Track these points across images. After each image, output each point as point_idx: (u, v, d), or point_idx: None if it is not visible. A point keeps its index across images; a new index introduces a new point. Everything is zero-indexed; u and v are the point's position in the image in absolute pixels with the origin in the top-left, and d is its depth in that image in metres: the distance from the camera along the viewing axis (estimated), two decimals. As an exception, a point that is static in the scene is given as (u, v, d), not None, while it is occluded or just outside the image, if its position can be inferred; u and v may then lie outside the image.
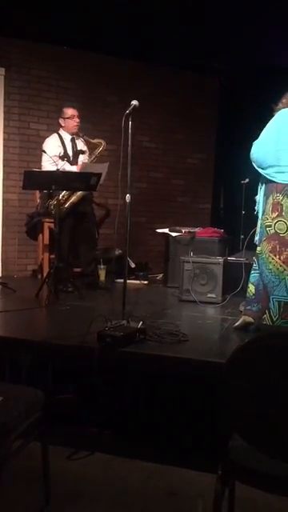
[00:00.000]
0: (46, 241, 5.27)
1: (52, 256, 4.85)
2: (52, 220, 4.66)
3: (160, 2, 4.79)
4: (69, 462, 2.55)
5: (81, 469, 2.51)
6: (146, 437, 2.68)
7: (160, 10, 4.90)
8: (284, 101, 3.21)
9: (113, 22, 5.16)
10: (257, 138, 3.21)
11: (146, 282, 5.49)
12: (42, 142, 5.12)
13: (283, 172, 3.06)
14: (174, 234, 5.34)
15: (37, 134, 5.88)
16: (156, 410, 2.68)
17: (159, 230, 5.57)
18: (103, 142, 4.91)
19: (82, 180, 4.41)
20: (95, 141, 4.90)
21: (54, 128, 6.09)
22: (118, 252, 4.99)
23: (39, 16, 5.02)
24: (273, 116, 3.22)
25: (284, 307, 3.06)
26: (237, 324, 3.39)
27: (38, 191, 5.59)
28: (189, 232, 5.32)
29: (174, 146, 6.58)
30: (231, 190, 6.49)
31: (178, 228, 5.44)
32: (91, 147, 5.05)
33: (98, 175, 4.39)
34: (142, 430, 2.69)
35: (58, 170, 4.36)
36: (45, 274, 4.73)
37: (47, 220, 5.28)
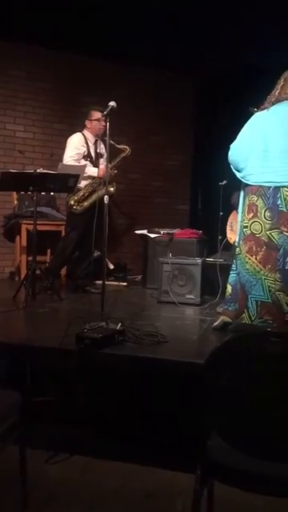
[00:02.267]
0: (24, 242, 5.23)
1: (29, 258, 4.81)
2: (30, 221, 4.63)
3: (136, 2, 4.80)
4: (47, 466, 2.53)
5: (59, 472, 2.50)
6: (125, 438, 2.67)
7: (136, 9, 4.91)
8: (262, 106, 3.25)
9: (89, 22, 5.15)
10: (234, 140, 3.25)
11: (124, 284, 5.48)
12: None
13: (253, 174, 3.12)
14: (152, 236, 5.34)
15: (13, 135, 5.84)
16: (135, 410, 2.68)
17: (138, 232, 5.58)
18: (128, 148, 4.93)
19: (59, 181, 4.38)
20: (121, 146, 4.91)
21: (31, 129, 6.05)
22: (96, 254, 4.97)
23: (15, 16, 4.98)
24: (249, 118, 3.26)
25: (261, 306, 3.10)
26: (215, 324, 3.41)
27: (15, 192, 5.54)
28: (167, 233, 5.33)
29: (151, 148, 6.59)
30: (209, 191, 6.52)
31: (156, 229, 5.44)
32: (116, 152, 5.01)
33: (76, 177, 4.38)
34: (121, 431, 2.68)
35: (35, 170, 4.33)
36: (22, 276, 4.69)
37: (25, 221, 5.25)
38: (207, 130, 6.52)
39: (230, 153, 3.25)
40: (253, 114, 3.27)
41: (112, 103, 3.58)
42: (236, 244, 3.33)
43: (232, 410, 1.50)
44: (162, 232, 5.36)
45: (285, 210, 3.00)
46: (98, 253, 4.97)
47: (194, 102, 6.78)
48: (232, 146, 3.25)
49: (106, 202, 3.65)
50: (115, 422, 2.70)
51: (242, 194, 3.28)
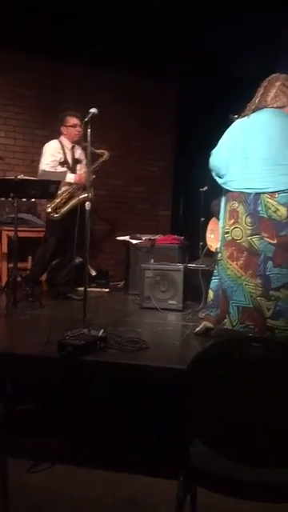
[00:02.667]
0: (5, 249, 5.19)
1: (10, 265, 4.77)
2: (11, 228, 4.59)
3: (117, 8, 4.82)
4: (29, 475, 2.50)
5: (41, 481, 2.47)
6: (108, 445, 2.66)
7: (117, 16, 4.93)
8: (243, 113, 3.29)
9: (70, 28, 5.15)
10: (215, 146, 3.28)
11: (107, 290, 5.47)
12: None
13: (234, 180, 3.15)
14: (134, 242, 5.34)
15: (-6, 141, 5.81)
16: (117, 417, 2.67)
17: (120, 238, 5.57)
18: (106, 153, 4.92)
19: (40, 188, 4.36)
20: (99, 151, 4.89)
21: (12, 135, 6.02)
22: (78, 260, 4.94)
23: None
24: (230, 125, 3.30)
25: (243, 312, 3.11)
26: (197, 329, 3.42)
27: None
28: (149, 239, 5.33)
29: (133, 154, 6.60)
30: (190, 197, 6.55)
31: (138, 235, 5.44)
32: (94, 157, 5.00)
33: (57, 183, 4.36)
34: (103, 439, 2.67)
35: (15, 177, 4.30)
36: (3, 283, 4.64)
37: (5, 228, 5.20)
38: (188, 136, 6.56)
39: (211, 159, 3.28)
40: (233, 121, 3.30)
41: (93, 110, 3.57)
42: (218, 249, 3.35)
43: (213, 416, 1.50)
44: (143, 238, 5.37)
45: (265, 216, 3.03)
46: (80, 259, 4.95)
47: (176, 108, 6.83)
48: (213, 152, 3.27)
49: (87, 208, 3.64)
50: (97, 429, 2.68)
51: (223, 200, 3.30)
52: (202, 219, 5.63)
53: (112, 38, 5.33)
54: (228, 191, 3.21)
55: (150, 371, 2.64)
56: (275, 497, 1.64)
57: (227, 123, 3.32)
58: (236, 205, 3.13)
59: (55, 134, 5.20)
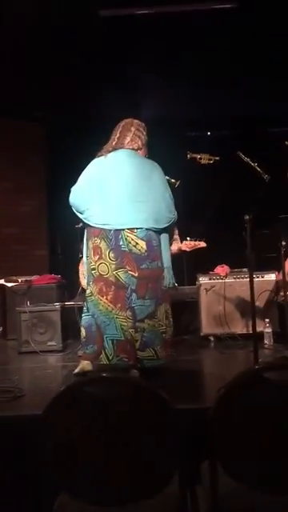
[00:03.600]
0: None
1: None
2: None
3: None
4: None
5: None
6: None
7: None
8: (99, 153, 3.39)
9: None
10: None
11: (-17, 338, 5.21)
12: None
13: (93, 215, 3.22)
14: (9, 285, 5.17)
15: None
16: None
17: (-6, 282, 5.36)
18: None
19: None
20: None
21: None
22: None
23: None
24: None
25: (117, 345, 3.13)
26: (76, 370, 3.36)
27: None
28: (25, 281, 5.20)
29: (3, 195, 6.47)
30: (67, 234, 6.54)
31: (14, 278, 5.28)
32: None
33: None
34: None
35: None
36: None
37: None
38: (59, 174, 6.58)
39: (70, 196, 3.33)
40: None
41: None
42: (86, 286, 3.36)
43: (70, 462, 1.46)
44: (20, 280, 5.22)
45: (127, 250, 3.12)
46: None
47: (44, 147, 6.84)
48: (72, 189, 3.33)
49: None
50: None
51: (85, 236, 3.34)
52: (80, 255, 5.65)
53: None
54: (90, 227, 3.26)
55: (17, 421, 2.53)
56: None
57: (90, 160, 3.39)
58: (98, 241, 3.19)
59: None
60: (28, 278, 5.26)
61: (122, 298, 3.13)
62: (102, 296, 3.17)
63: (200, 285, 4.45)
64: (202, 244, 4.26)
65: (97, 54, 5.01)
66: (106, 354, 3.16)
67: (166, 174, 5.27)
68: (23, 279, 5.24)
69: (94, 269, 3.22)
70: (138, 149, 3.35)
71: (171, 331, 3.31)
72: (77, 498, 1.47)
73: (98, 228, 3.20)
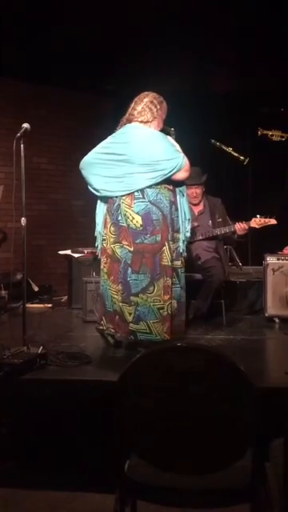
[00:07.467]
0: None
1: None
2: None
3: (49, 24, 4.81)
4: None
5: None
6: (51, 465, 2.60)
7: (50, 31, 4.93)
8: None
9: (4, 43, 5.09)
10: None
11: (49, 305, 5.38)
12: None
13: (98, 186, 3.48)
14: (76, 255, 5.30)
15: None
16: (59, 435, 2.62)
17: (61, 252, 5.51)
18: None
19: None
20: None
21: None
22: (19, 276, 4.84)
23: None
24: None
25: (107, 315, 3.37)
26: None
27: None
28: (91, 252, 5.30)
29: (73, 167, 6.55)
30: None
31: (80, 249, 5.41)
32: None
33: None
34: (46, 459, 2.61)
35: None
36: None
37: None
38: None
39: (80, 164, 3.59)
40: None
41: (25, 125, 3.51)
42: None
43: (146, 427, 1.50)
44: (85, 251, 5.33)
45: (125, 224, 3.21)
46: (22, 275, 4.85)
47: (112, 121, 6.85)
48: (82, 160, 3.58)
49: (23, 224, 3.58)
50: (39, 450, 2.62)
51: (100, 205, 3.48)
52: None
53: (44, 53, 5.31)
54: (101, 200, 3.45)
55: (88, 385, 2.62)
56: (215, 502, 1.65)
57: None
58: (106, 215, 3.35)
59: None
60: (93, 250, 5.35)
61: (115, 271, 3.25)
62: (103, 266, 3.37)
63: (267, 264, 4.36)
64: (273, 221, 4.17)
65: (169, 29, 4.93)
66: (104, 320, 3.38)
67: (235, 150, 5.21)
68: (89, 251, 5.34)
69: (104, 239, 3.37)
70: (147, 121, 3.32)
71: (175, 307, 3.28)
72: (151, 464, 1.51)
73: (103, 201, 3.37)
